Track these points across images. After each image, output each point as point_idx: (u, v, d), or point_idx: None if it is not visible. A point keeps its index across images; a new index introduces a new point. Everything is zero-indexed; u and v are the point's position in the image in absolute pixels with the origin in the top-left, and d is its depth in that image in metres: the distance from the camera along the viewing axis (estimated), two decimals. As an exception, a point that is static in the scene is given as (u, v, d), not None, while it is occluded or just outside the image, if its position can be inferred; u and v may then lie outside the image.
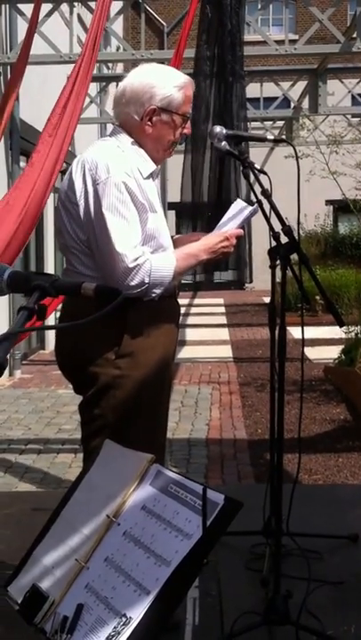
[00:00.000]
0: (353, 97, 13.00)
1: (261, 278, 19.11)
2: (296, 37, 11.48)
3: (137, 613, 1.80)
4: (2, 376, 1.53)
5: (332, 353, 8.29)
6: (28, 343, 10.64)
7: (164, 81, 2.65)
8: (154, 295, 2.58)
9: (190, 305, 16.22)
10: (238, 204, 2.83)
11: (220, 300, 18.44)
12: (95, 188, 2.52)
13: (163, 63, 3.98)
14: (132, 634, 1.79)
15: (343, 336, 8.02)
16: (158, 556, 1.87)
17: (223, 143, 2.95)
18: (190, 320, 13.31)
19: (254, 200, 2.86)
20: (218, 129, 2.97)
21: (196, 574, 1.90)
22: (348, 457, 5.51)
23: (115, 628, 1.81)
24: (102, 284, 1.85)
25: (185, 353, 9.54)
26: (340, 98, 12.54)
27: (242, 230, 2.80)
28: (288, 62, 15.30)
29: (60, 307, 2.84)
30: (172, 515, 1.92)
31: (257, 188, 2.94)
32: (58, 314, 3.29)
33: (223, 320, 14.89)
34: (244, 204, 2.82)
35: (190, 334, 11.45)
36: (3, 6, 8.65)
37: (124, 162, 2.57)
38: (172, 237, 2.79)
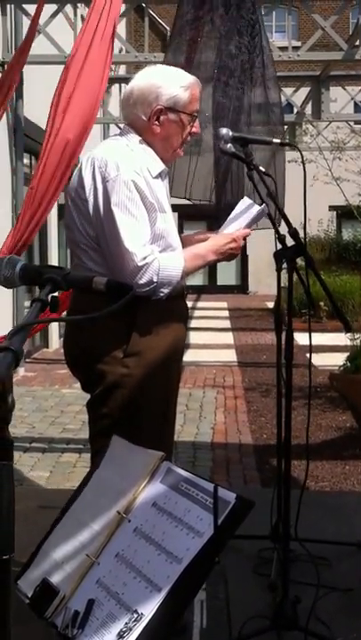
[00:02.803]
0: (355, 104, 13.07)
1: (265, 283, 19.14)
2: (299, 44, 11.53)
3: (148, 610, 1.80)
4: (18, 366, 1.53)
5: (337, 360, 8.33)
6: (31, 341, 10.72)
7: (170, 81, 2.67)
8: (162, 295, 2.58)
9: (194, 308, 16.27)
10: (245, 202, 2.82)
11: (224, 304, 18.53)
12: (105, 186, 2.53)
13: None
14: (144, 630, 1.78)
15: (348, 343, 8.05)
16: (169, 553, 1.86)
17: (229, 145, 2.95)
18: (194, 323, 13.34)
19: (261, 203, 2.86)
20: (224, 131, 2.97)
21: (207, 572, 1.88)
22: (355, 465, 5.50)
23: (126, 623, 1.81)
24: (113, 279, 1.84)
25: (189, 356, 9.55)
26: (342, 104, 12.61)
27: (250, 231, 2.80)
28: (291, 69, 15.37)
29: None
30: (183, 512, 1.91)
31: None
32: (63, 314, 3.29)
33: (227, 324, 14.98)
34: (251, 201, 2.82)
35: (194, 338, 11.46)
36: (8, 6, 8.73)
37: (133, 161, 2.58)
38: (180, 236, 2.79)
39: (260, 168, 2.89)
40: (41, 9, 4.91)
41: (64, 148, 4.78)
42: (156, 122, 2.65)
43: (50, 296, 1.74)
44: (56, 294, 1.77)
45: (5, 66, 8.61)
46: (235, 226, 2.79)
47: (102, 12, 4.80)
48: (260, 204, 2.83)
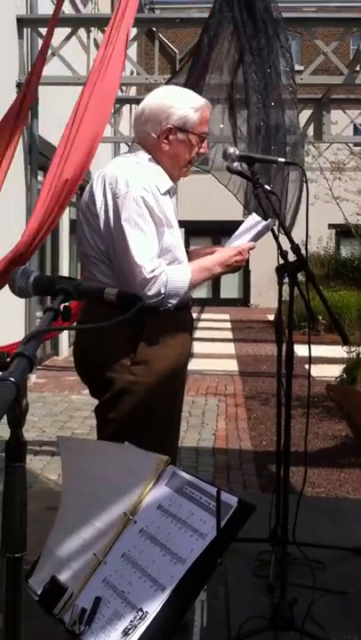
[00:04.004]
0: (355, 127, 13.30)
1: (266, 296, 19.34)
2: (302, 68, 11.69)
3: (153, 608, 1.84)
4: (32, 371, 1.60)
5: (334, 371, 8.42)
6: (42, 349, 10.86)
7: (181, 102, 2.74)
8: (169, 305, 2.65)
9: (198, 320, 16.41)
10: (254, 218, 2.90)
11: (227, 316, 18.71)
12: (115, 202, 2.60)
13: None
14: (148, 628, 1.82)
15: (344, 355, 8.14)
16: (174, 554, 1.90)
17: (235, 164, 3.03)
18: (198, 334, 13.44)
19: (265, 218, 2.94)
20: (231, 150, 3.05)
21: (210, 573, 1.92)
22: (349, 472, 5.59)
23: (131, 621, 1.84)
24: (124, 290, 1.90)
25: (193, 365, 9.61)
26: (342, 127, 12.82)
27: (254, 244, 2.87)
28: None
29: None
30: (187, 515, 1.95)
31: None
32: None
33: (229, 335, 15.11)
34: (259, 218, 2.89)
35: (198, 348, 11.56)
36: (24, 29, 8.90)
37: (142, 178, 2.65)
38: (187, 250, 2.86)
39: (266, 186, 2.98)
40: (51, 34, 5.03)
41: (62, 188, 4.86)
42: (165, 140, 2.72)
43: (62, 305, 1.81)
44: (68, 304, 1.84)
45: (22, 87, 8.79)
46: (241, 240, 2.87)
47: (114, 36, 4.83)
48: (266, 220, 2.92)
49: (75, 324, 3.03)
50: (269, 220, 2.88)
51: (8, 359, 1.59)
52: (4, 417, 1.56)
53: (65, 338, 11.52)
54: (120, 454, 2.24)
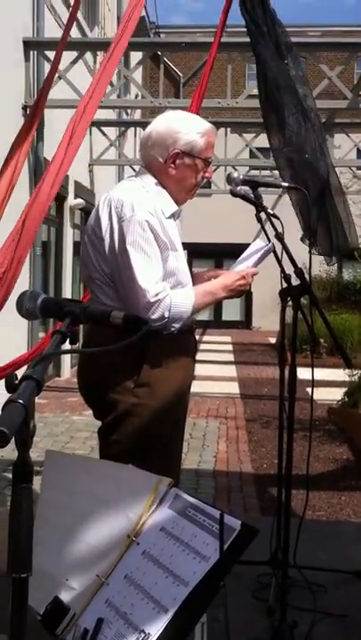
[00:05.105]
0: (358, 150, 13.45)
1: (268, 319, 19.37)
2: (305, 92, 11.88)
3: (155, 630, 1.84)
4: (40, 394, 1.62)
5: (335, 394, 8.41)
6: (45, 370, 10.87)
7: (188, 127, 2.78)
8: (173, 329, 2.67)
9: (199, 342, 16.44)
10: (258, 244, 2.94)
11: (228, 339, 18.72)
12: (120, 225, 2.63)
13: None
14: None
15: (346, 379, 8.16)
16: (177, 576, 1.90)
17: (239, 188, 3.07)
18: (199, 356, 13.44)
19: (268, 242, 2.98)
20: (235, 174, 3.09)
21: (212, 596, 1.91)
22: (350, 496, 5.59)
23: None
24: (130, 313, 1.91)
25: (194, 387, 9.53)
26: (346, 151, 12.92)
27: (257, 269, 2.90)
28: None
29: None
30: (190, 537, 1.96)
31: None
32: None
33: (231, 358, 15.13)
34: (263, 244, 2.93)
35: (199, 370, 11.56)
36: (31, 52, 9.02)
37: (147, 201, 2.68)
38: (191, 273, 2.89)
39: (269, 210, 3.02)
40: (59, 56, 4.93)
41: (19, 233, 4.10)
42: (172, 165, 2.76)
43: (69, 329, 1.83)
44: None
45: (28, 110, 8.89)
46: (245, 265, 2.90)
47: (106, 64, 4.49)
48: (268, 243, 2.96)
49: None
50: (270, 243, 2.92)
51: (17, 381, 1.61)
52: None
53: (67, 359, 11.55)
54: (119, 474, 2.24)
